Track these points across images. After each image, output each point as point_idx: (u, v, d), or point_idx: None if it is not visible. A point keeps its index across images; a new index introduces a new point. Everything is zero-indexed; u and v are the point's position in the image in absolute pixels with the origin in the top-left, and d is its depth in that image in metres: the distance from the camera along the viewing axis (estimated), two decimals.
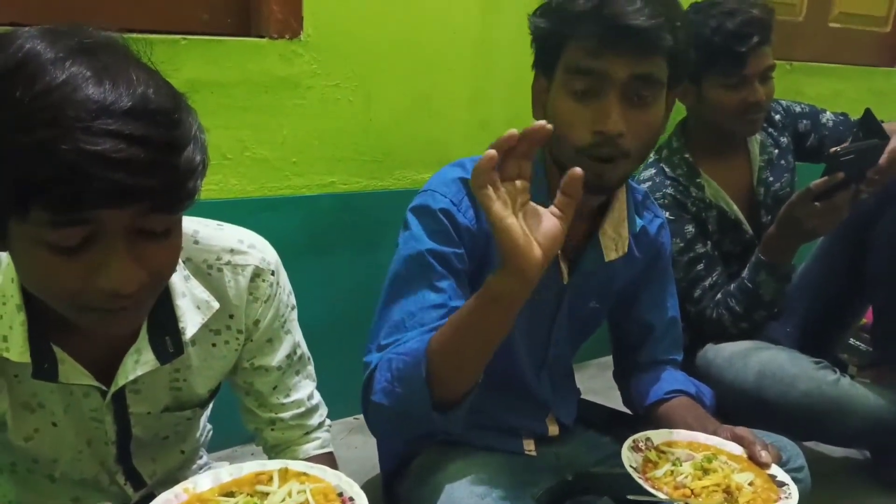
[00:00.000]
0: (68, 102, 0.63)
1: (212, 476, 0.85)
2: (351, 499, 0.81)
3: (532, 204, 0.88)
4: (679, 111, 1.74)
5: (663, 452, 1.12)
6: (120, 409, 0.94)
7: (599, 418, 1.44)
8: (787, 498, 1.02)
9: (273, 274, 0.99)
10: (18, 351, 0.82)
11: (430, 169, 1.38)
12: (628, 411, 1.47)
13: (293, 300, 1.07)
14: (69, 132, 0.62)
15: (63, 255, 0.69)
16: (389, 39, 1.80)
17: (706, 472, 1.04)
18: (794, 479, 1.07)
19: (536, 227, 0.87)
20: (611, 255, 1.23)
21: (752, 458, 1.10)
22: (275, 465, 0.87)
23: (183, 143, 0.70)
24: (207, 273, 0.94)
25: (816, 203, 1.46)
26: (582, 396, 1.46)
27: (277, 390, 1.07)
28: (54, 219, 0.66)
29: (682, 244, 1.68)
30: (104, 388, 0.89)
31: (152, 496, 0.82)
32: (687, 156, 1.76)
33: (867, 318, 1.96)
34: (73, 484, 1.01)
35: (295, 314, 1.08)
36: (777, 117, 1.88)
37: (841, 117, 1.93)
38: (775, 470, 1.09)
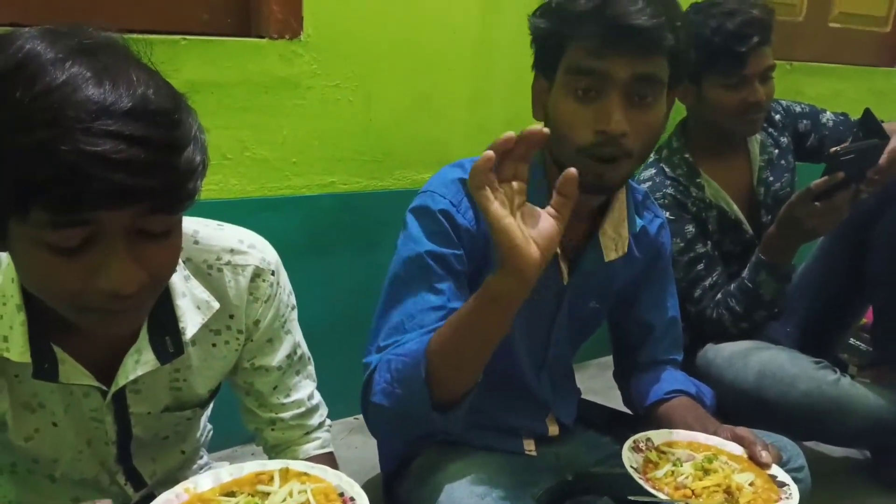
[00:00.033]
0: (68, 103, 0.63)
1: (212, 476, 0.85)
2: (352, 499, 0.82)
3: (529, 205, 0.89)
4: (679, 111, 1.74)
5: (664, 453, 1.12)
6: (120, 409, 0.94)
7: (599, 418, 1.44)
8: (787, 498, 1.02)
9: (273, 274, 0.99)
10: (19, 351, 0.82)
11: (430, 169, 1.38)
12: (628, 411, 1.47)
13: (293, 300, 1.07)
14: (69, 133, 0.62)
15: (63, 256, 0.69)
16: (389, 40, 1.80)
17: (707, 472, 1.04)
18: (795, 479, 1.07)
19: (533, 228, 0.88)
20: (611, 255, 1.23)
21: (753, 459, 1.10)
22: (275, 465, 0.87)
23: (183, 143, 0.70)
24: (207, 273, 0.94)
25: (816, 203, 1.46)
26: (582, 396, 1.46)
27: (278, 390, 1.07)
28: (54, 219, 0.66)
29: (682, 244, 1.68)
30: (104, 388, 0.89)
31: (153, 496, 0.82)
32: (687, 156, 1.76)
33: (867, 317, 1.96)
34: (74, 484, 1.01)
35: (295, 314, 1.08)
36: (777, 117, 1.88)
37: (841, 117, 1.93)
38: (776, 470, 1.09)
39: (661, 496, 1.01)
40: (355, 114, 1.79)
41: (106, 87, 0.65)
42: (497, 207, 0.84)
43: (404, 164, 1.90)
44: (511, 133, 0.83)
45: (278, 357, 1.05)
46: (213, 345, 0.98)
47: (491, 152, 0.83)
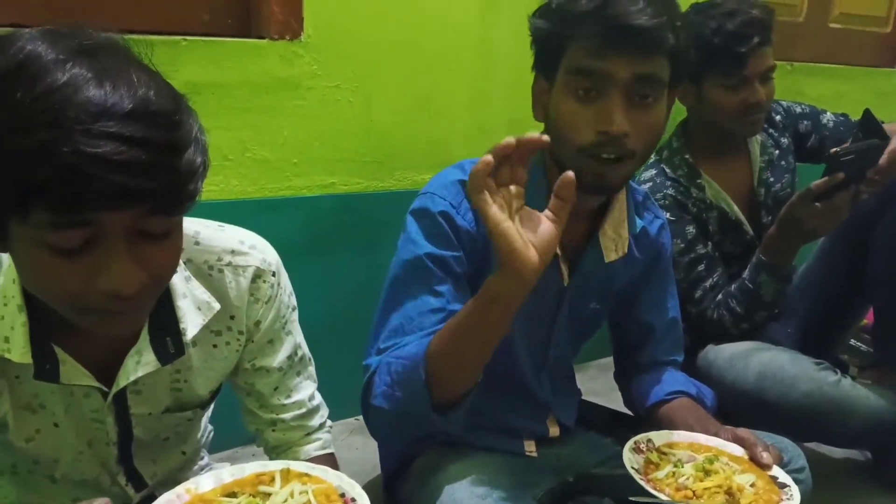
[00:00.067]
0: (69, 104, 0.63)
1: (214, 476, 0.85)
2: (353, 499, 0.82)
3: (527, 208, 0.89)
4: (679, 112, 1.74)
5: (665, 454, 1.12)
6: (121, 409, 0.94)
7: (600, 419, 1.44)
8: (788, 499, 1.02)
9: (274, 275, 0.99)
10: (20, 352, 0.82)
11: (430, 170, 1.38)
12: (629, 412, 1.47)
13: (294, 301, 1.07)
14: (70, 134, 0.62)
15: (63, 257, 0.69)
16: (390, 40, 1.80)
17: (708, 473, 1.04)
18: (796, 481, 1.07)
19: (532, 231, 0.89)
20: (611, 255, 1.23)
21: (754, 460, 1.10)
22: (277, 465, 0.87)
23: (184, 144, 0.70)
24: (208, 274, 0.94)
25: (817, 203, 1.46)
26: (583, 397, 1.46)
27: (278, 391, 1.07)
28: (55, 220, 0.66)
29: (682, 245, 1.68)
30: (105, 388, 0.89)
31: (154, 497, 0.82)
32: (687, 156, 1.76)
33: (868, 318, 1.96)
34: (74, 485, 1.00)
35: (296, 315, 1.08)
36: (777, 118, 1.88)
37: (841, 118, 1.93)
38: (777, 471, 1.09)
39: (663, 497, 1.01)
40: (356, 115, 1.80)
41: (107, 89, 0.65)
42: (495, 212, 0.85)
43: (405, 164, 1.90)
44: (511, 139, 0.83)
45: (279, 358, 1.05)
46: (214, 346, 0.98)
47: (490, 157, 0.83)
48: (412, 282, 1.13)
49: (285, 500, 0.81)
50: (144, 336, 0.88)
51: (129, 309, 0.76)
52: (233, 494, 0.83)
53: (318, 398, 1.14)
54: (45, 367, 0.84)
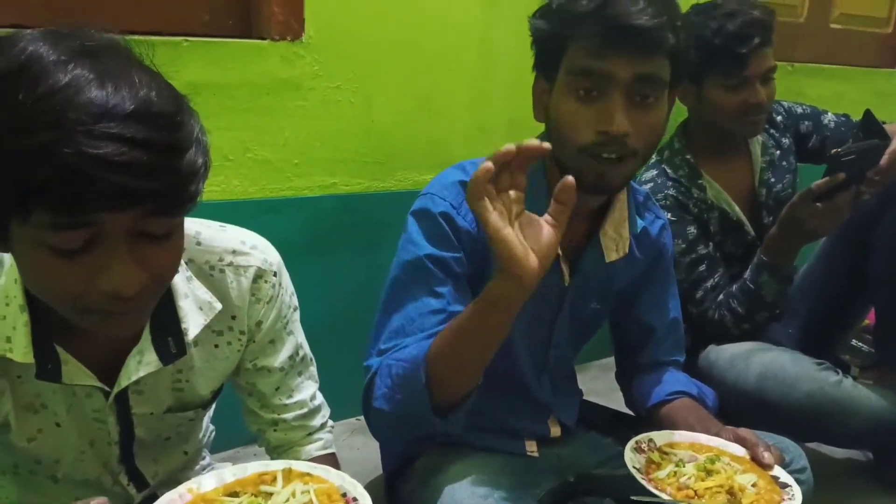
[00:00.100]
0: (71, 105, 0.63)
1: (216, 476, 0.85)
2: (354, 499, 0.82)
3: (527, 213, 0.89)
4: (680, 112, 1.74)
5: (666, 454, 1.12)
6: (123, 409, 0.94)
7: (601, 419, 1.44)
8: (790, 499, 1.02)
9: (275, 275, 0.99)
10: (22, 352, 0.82)
11: (431, 170, 1.38)
12: (630, 413, 1.47)
13: (295, 301, 1.07)
14: (71, 135, 0.62)
15: (64, 258, 0.69)
16: (390, 41, 1.80)
17: (709, 473, 1.04)
18: (797, 481, 1.07)
19: (532, 236, 0.89)
20: (611, 255, 1.23)
21: (755, 460, 1.10)
22: (278, 465, 0.87)
23: (185, 145, 0.70)
24: (210, 274, 0.94)
25: (818, 204, 1.46)
26: (584, 398, 1.46)
27: (280, 391, 1.07)
28: (55, 221, 0.66)
29: (683, 245, 1.68)
30: (107, 388, 0.89)
31: (155, 497, 0.82)
32: (688, 157, 1.76)
33: (869, 319, 1.96)
34: (76, 485, 1.01)
35: (297, 315, 1.08)
36: (779, 118, 1.88)
37: (843, 118, 1.93)
38: (778, 471, 1.09)
39: (664, 496, 1.01)
40: (357, 115, 1.80)
41: (108, 90, 0.65)
42: (495, 219, 0.85)
43: (406, 165, 1.90)
44: (511, 146, 0.83)
45: (280, 358, 1.05)
46: (216, 346, 0.98)
47: (490, 164, 0.83)
48: (413, 283, 1.13)
49: (287, 500, 0.81)
50: (146, 336, 0.88)
51: (130, 310, 0.76)
52: (235, 494, 0.83)
53: (320, 398, 1.14)
54: (47, 367, 0.84)
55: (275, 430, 1.10)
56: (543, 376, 1.31)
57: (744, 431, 1.15)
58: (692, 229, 1.70)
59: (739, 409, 1.61)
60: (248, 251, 0.97)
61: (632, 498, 1.05)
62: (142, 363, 0.89)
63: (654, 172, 1.76)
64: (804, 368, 1.62)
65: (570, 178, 0.88)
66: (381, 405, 1.06)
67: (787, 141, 1.88)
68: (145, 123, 0.65)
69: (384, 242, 1.79)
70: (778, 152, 1.85)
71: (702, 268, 1.70)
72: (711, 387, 1.42)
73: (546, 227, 0.90)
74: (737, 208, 1.77)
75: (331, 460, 1.12)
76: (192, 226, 0.93)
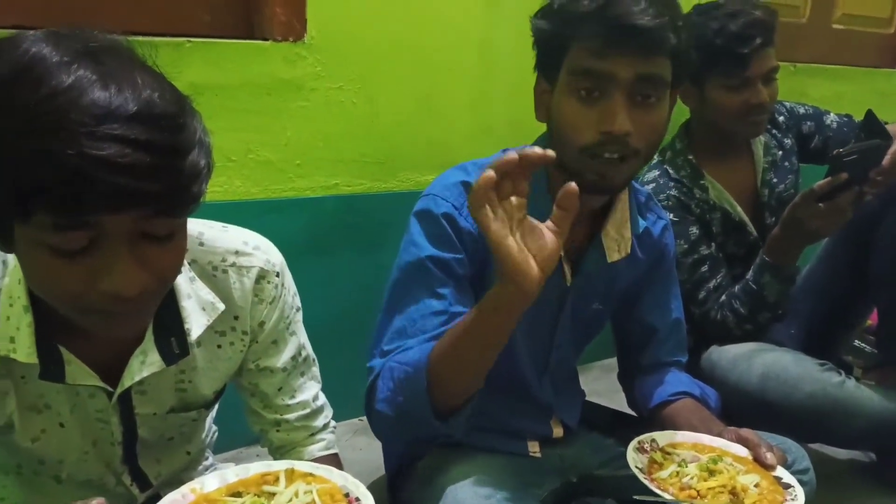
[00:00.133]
0: (74, 107, 0.63)
1: (218, 476, 0.85)
2: (357, 499, 0.82)
3: (529, 220, 0.89)
4: (682, 113, 1.74)
5: (668, 454, 1.12)
6: (126, 409, 0.94)
7: (604, 420, 1.44)
8: (792, 500, 1.01)
9: (278, 276, 0.99)
10: (25, 352, 0.82)
11: (433, 171, 1.38)
12: (633, 413, 1.47)
13: (298, 302, 1.07)
14: (74, 137, 0.62)
15: (66, 258, 0.69)
16: (392, 42, 1.80)
17: (712, 473, 1.04)
18: (800, 482, 1.07)
19: (533, 244, 0.89)
20: (613, 255, 1.23)
21: (758, 460, 1.10)
22: (281, 465, 0.87)
23: (187, 147, 0.70)
24: (213, 275, 0.94)
25: (820, 204, 1.46)
26: (586, 398, 1.46)
27: (282, 392, 1.08)
28: (58, 222, 0.66)
29: (686, 246, 1.68)
30: (110, 389, 0.90)
31: (158, 497, 0.82)
32: (690, 157, 1.76)
33: (872, 319, 1.96)
34: (79, 485, 1.01)
35: (300, 316, 1.08)
36: (781, 119, 1.88)
37: (845, 118, 1.93)
38: (781, 472, 1.08)
39: (666, 496, 1.01)
40: (359, 116, 1.80)
41: (111, 91, 0.65)
42: (497, 228, 0.85)
43: (408, 165, 1.90)
44: (514, 155, 0.83)
45: (283, 358, 1.05)
46: (219, 346, 0.98)
47: (492, 173, 0.83)
48: (414, 284, 1.14)
49: (290, 500, 0.81)
50: (149, 336, 0.89)
51: (132, 310, 0.76)
52: (237, 494, 0.83)
53: (322, 398, 1.14)
54: (51, 368, 0.84)
55: (277, 431, 1.10)
56: (545, 377, 1.31)
57: (746, 432, 1.15)
58: (694, 230, 1.70)
59: (742, 409, 1.61)
60: (250, 252, 0.97)
61: (634, 497, 1.05)
62: (145, 363, 0.89)
63: (657, 173, 1.76)
64: (807, 369, 1.62)
65: (573, 185, 0.88)
66: (382, 408, 1.07)
67: (789, 141, 1.88)
68: (148, 125, 0.65)
69: (386, 243, 1.79)
70: (780, 153, 1.85)
71: (704, 268, 1.70)
72: (714, 387, 1.42)
73: (548, 234, 0.90)
74: (739, 209, 1.77)
75: (333, 461, 1.12)
76: (195, 226, 0.94)
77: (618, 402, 1.51)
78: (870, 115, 1.49)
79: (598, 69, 1.05)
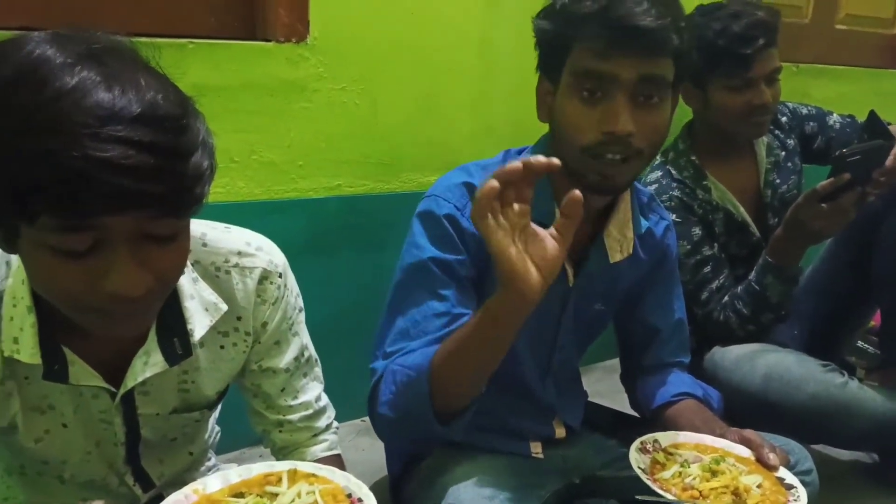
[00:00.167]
0: (77, 108, 0.63)
1: (221, 477, 0.85)
2: (360, 500, 0.82)
3: (532, 226, 0.89)
4: (685, 113, 1.74)
5: (671, 454, 1.12)
6: (129, 410, 0.94)
7: (606, 421, 1.44)
8: (795, 500, 1.01)
9: (281, 276, 0.99)
10: (29, 352, 0.82)
11: (436, 172, 1.38)
12: (635, 414, 1.47)
13: (300, 302, 1.07)
14: (77, 138, 0.62)
15: (70, 260, 0.69)
16: (395, 43, 1.80)
17: (714, 473, 1.04)
18: (803, 483, 1.07)
19: (536, 251, 0.89)
20: (615, 256, 1.23)
21: (761, 461, 1.10)
22: (284, 466, 0.87)
23: (191, 148, 0.70)
24: (215, 275, 0.94)
25: (822, 205, 1.46)
26: (589, 399, 1.46)
27: (285, 392, 1.08)
28: (61, 224, 0.66)
29: (688, 246, 1.68)
30: (113, 389, 0.90)
31: (161, 497, 0.82)
32: (693, 158, 1.76)
33: (875, 320, 1.96)
34: (82, 485, 1.01)
35: (302, 316, 1.08)
36: (784, 119, 1.88)
37: (848, 119, 1.93)
38: (783, 472, 1.08)
39: (669, 496, 1.01)
40: (361, 117, 1.80)
41: (115, 93, 0.65)
42: (500, 238, 0.85)
43: (410, 166, 1.91)
44: (518, 164, 0.83)
45: (286, 359, 1.05)
46: (221, 346, 0.98)
47: (495, 183, 0.83)
48: (417, 286, 1.14)
49: (292, 501, 0.81)
50: (152, 337, 0.89)
51: (135, 311, 0.76)
52: (240, 495, 0.83)
53: (325, 399, 1.15)
54: (54, 368, 0.84)
55: (280, 432, 1.10)
56: (548, 378, 1.31)
57: (749, 433, 1.15)
58: (697, 230, 1.70)
59: (744, 410, 1.61)
60: (253, 252, 0.97)
61: (637, 498, 1.05)
62: (148, 364, 0.89)
63: (659, 173, 1.76)
64: (809, 370, 1.62)
65: (577, 193, 0.88)
66: (385, 411, 1.07)
67: (792, 142, 1.87)
68: (152, 127, 0.65)
69: (388, 244, 1.79)
70: (783, 153, 1.85)
71: (707, 269, 1.70)
72: (716, 388, 1.41)
73: (550, 242, 0.90)
74: (742, 209, 1.77)
75: (336, 461, 1.12)
76: (198, 227, 0.94)
77: (620, 402, 1.50)
78: (873, 115, 1.49)
79: (600, 70, 1.05)
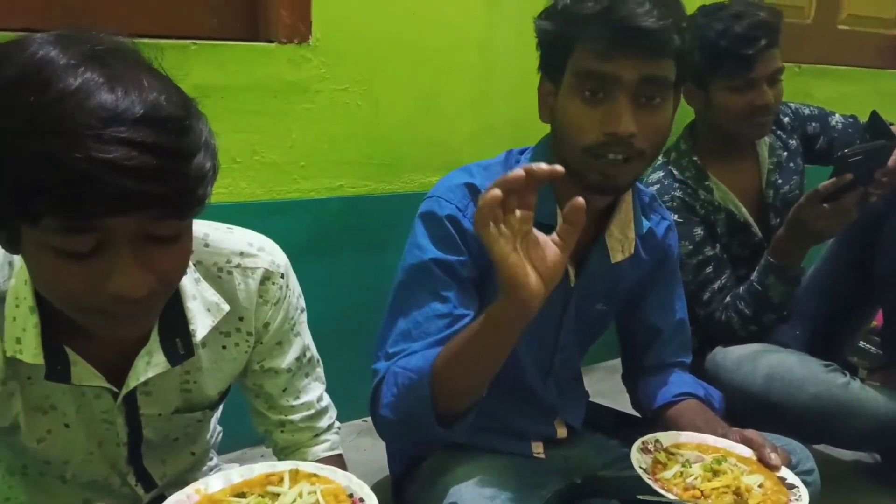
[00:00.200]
0: (81, 110, 0.63)
1: (223, 477, 0.86)
2: (361, 500, 0.82)
3: (535, 232, 0.89)
4: (687, 114, 1.74)
5: (672, 454, 1.12)
6: (131, 410, 0.94)
7: (607, 421, 1.44)
8: (796, 500, 1.01)
9: (283, 277, 0.99)
10: (32, 353, 0.82)
11: (437, 172, 1.38)
12: (637, 414, 1.47)
13: (302, 303, 1.07)
14: (80, 140, 0.63)
15: (73, 261, 0.69)
16: (396, 44, 1.81)
17: (716, 473, 1.04)
18: (804, 482, 1.07)
19: (538, 258, 0.89)
20: (617, 256, 1.23)
21: (762, 461, 1.10)
22: (285, 466, 0.88)
23: (193, 150, 0.70)
24: (217, 276, 0.94)
25: (824, 205, 1.46)
26: (590, 399, 1.46)
27: (287, 392, 1.08)
28: (64, 225, 0.66)
29: (690, 247, 1.68)
30: (115, 389, 0.90)
31: (163, 497, 0.83)
32: (695, 158, 1.76)
33: (877, 320, 1.96)
34: (85, 485, 1.01)
35: (304, 317, 1.08)
36: (786, 120, 1.88)
37: (850, 119, 1.93)
38: (785, 472, 1.08)
39: (671, 496, 1.01)
40: (363, 117, 1.80)
41: (118, 94, 0.65)
42: (502, 246, 0.85)
43: (412, 167, 1.91)
44: (521, 172, 0.83)
45: (287, 359, 1.05)
46: (223, 347, 0.99)
47: (497, 191, 0.83)
48: (418, 287, 1.14)
49: (294, 501, 0.81)
50: (154, 337, 0.89)
51: (138, 312, 0.76)
52: (242, 495, 0.83)
53: (327, 399, 1.15)
54: (57, 368, 0.85)
55: (282, 432, 1.11)
56: (549, 378, 1.31)
57: (750, 433, 1.15)
58: (699, 231, 1.70)
59: (746, 410, 1.61)
60: (255, 253, 0.97)
61: (638, 498, 1.05)
62: (150, 364, 0.89)
63: (661, 174, 1.76)
64: (811, 370, 1.62)
65: (580, 200, 0.87)
66: (386, 413, 1.08)
67: (794, 142, 1.87)
68: (154, 128, 0.66)
69: (390, 244, 1.79)
70: (785, 154, 1.85)
71: (708, 269, 1.70)
72: (718, 388, 1.41)
73: (552, 248, 0.90)
74: (744, 210, 1.77)
75: (338, 461, 1.12)
76: (200, 228, 0.94)
77: (622, 402, 1.50)
78: (875, 115, 1.49)
79: (602, 71, 1.05)
